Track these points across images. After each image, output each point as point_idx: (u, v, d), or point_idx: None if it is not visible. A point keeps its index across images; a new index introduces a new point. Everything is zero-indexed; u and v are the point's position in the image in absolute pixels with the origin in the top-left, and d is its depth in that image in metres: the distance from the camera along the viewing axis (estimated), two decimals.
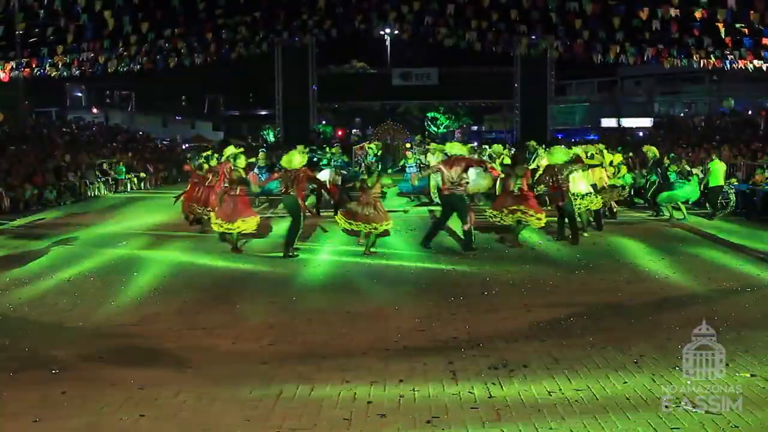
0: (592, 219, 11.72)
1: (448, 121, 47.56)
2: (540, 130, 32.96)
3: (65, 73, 21.01)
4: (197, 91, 49.32)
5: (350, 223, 9.79)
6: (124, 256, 9.80)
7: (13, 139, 22.44)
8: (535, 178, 11.14)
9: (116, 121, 39.65)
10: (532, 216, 10.03)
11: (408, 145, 26.49)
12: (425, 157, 17.35)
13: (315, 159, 15.38)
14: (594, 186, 11.39)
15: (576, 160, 10.71)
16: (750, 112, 32.28)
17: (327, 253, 9.95)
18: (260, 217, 10.30)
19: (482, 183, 13.93)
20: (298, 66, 34.43)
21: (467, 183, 10.15)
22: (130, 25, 17.92)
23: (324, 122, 40.84)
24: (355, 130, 51.07)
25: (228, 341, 5.85)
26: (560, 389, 4.59)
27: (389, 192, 15.87)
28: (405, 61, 38.29)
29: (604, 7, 17.93)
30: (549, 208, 11.66)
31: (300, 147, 14.93)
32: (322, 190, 12.76)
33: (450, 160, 10.08)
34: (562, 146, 13.01)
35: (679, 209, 13.23)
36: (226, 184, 10.09)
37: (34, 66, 20.09)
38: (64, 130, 29.50)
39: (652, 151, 14.42)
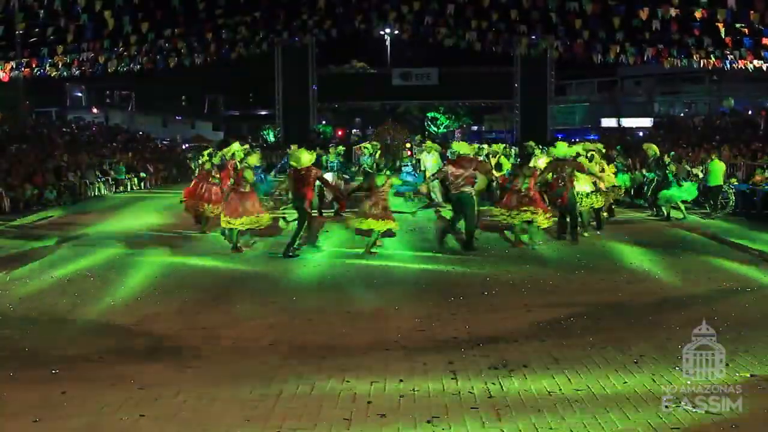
0: (592, 219, 11.73)
1: (448, 121, 47.58)
2: (540, 130, 32.95)
3: (65, 73, 21.01)
4: (197, 91, 49.34)
5: (361, 222, 9.79)
6: (124, 256, 9.79)
7: (13, 139, 22.42)
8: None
9: (116, 121, 39.66)
10: (540, 216, 10.08)
11: (408, 145, 26.50)
12: (422, 156, 17.36)
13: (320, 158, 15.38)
14: (594, 184, 11.40)
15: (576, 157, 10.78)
16: (750, 112, 32.25)
17: (327, 253, 9.95)
18: (270, 216, 10.25)
19: (477, 183, 13.93)
20: (298, 66, 34.42)
21: (475, 180, 10.20)
22: (130, 25, 17.91)
23: (324, 122, 40.84)
24: (355, 130, 51.09)
25: (228, 341, 5.85)
26: (560, 389, 4.59)
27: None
28: (405, 61, 38.29)
29: (604, 7, 17.92)
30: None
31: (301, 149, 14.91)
32: (325, 190, 12.76)
33: (457, 161, 10.11)
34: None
35: (678, 209, 13.24)
36: (232, 181, 10.07)
37: (34, 66, 20.09)
38: (64, 130, 29.47)
39: (652, 149, 14.43)
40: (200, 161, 12.28)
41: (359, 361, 5.23)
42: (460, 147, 11.37)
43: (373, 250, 9.76)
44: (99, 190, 20.70)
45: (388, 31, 37.58)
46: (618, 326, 6.16)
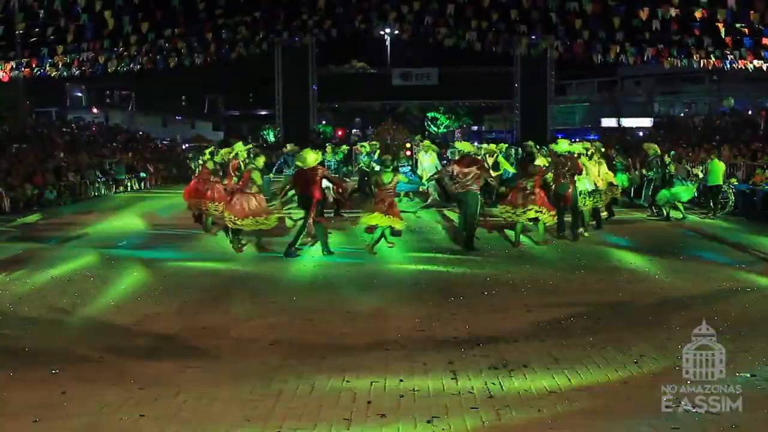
0: (592, 219, 11.73)
1: (448, 121, 47.58)
2: (540, 130, 32.94)
3: (65, 73, 21.02)
4: (197, 91, 49.31)
5: (367, 217, 9.79)
6: (124, 256, 9.79)
7: (13, 139, 22.45)
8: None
9: (116, 121, 39.64)
10: (546, 214, 10.11)
11: (408, 145, 26.48)
12: (420, 156, 17.36)
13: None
14: (594, 183, 11.43)
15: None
16: (750, 112, 32.27)
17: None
18: (277, 217, 10.22)
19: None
20: (298, 66, 34.43)
21: (485, 179, 10.23)
22: (130, 25, 17.92)
23: (324, 122, 40.84)
24: (355, 130, 51.08)
25: (228, 341, 5.85)
26: (560, 389, 4.59)
27: None
28: (405, 61, 38.28)
29: (604, 7, 17.93)
30: None
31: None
32: (326, 192, 12.76)
33: (463, 160, 10.13)
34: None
35: (677, 209, 13.24)
36: (236, 180, 10.04)
37: (34, 66, 20.11)
38: (64, 130, 29.48)
39: (652, 148, 14.44)
40: (202, 160, 12.28)
41: (359, 361, 5.23)
42: (464, 146, 11.42)
43: (387, 246, 9.76)
44: (99, 190, 20.71)
45: (388, 31, 37.58)
46: (618, 326, 6.15)
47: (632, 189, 16.00)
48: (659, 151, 14.47)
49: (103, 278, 8.31)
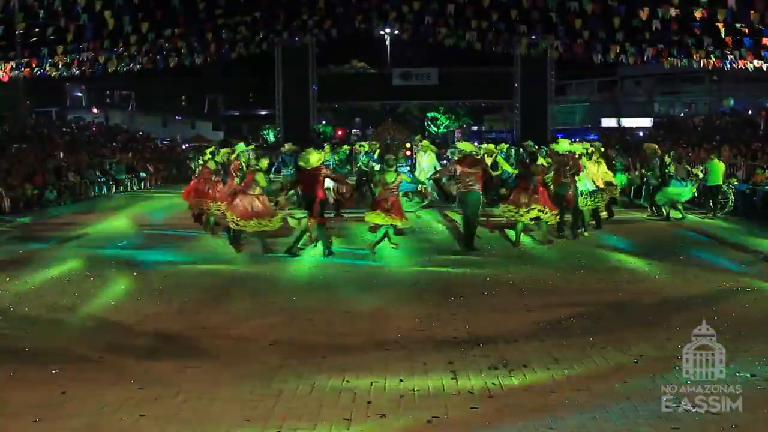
0: (592, 219, 11.74)
1: (448, 121, 47.56)
2: (540, 130, 32.89)
3: (65, 73, 20.99)
4: (197, 91, 49.33)
5: (370, 216, 9.79)
6: (124, 256, 9.79)
7: (13, 139, 22.45)
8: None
9: (116, 121, 39.64)
10: (548, 213, 10.13)
11: (408, 145, 26.49)
12: (418, 155, 17.36)
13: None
14: (594, 183, 11.44)
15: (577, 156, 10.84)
16: (750, 112, 32.26)
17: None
18: (280, 218, 10.22)
19: None
20: (298, 66, 34.38)
21: (487, 179, 10.26)
22: (130, 25, 17.90)
23: (324, 122, 40.83)
24: (355, 130, 51.05)
25: (228, 341, 5.85)
26: (560, 389, 4.59)
27: None
28: (405, 61, 38.24)
29: (604, 7, 17.91)
30: None
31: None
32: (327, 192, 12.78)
33: (465, 160, 10.14)
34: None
35: (676, 209, 13.24)
36: (238, 181, 10.03)
37: (34, 66, 20.07)
38: (64, 130, 29.49)
39: (652, 148, 14.44)
40: (203, 160, 12.26)
41: (359, 361, 5.23)
42: (465, 146, 11.42)
43: (391, 246, 9.77)
44: (99, 190, 20.70)
45: (388, 31, 37.54)
46: (618, 326, 6.16)
47: (632, 189, 16.00)
48: (659, 151, 14.47)
49: (103, 278, 8.31)
